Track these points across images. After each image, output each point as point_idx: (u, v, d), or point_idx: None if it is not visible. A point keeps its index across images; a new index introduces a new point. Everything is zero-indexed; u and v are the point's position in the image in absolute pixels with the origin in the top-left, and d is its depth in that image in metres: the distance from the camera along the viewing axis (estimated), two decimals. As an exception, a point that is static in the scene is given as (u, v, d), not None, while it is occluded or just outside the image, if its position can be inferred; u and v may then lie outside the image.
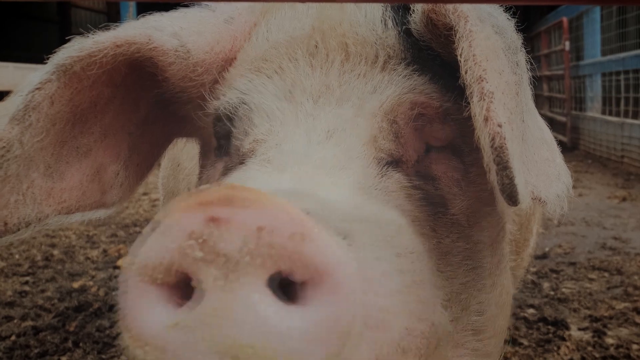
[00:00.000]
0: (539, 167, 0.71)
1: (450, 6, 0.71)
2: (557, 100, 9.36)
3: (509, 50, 0.72)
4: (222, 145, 0.87)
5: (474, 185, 0.80)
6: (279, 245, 0.49)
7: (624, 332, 2.28)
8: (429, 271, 0.70)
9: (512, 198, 0.62)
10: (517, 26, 0.79)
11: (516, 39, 0.77)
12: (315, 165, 0.69)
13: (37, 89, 0.77)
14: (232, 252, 0.49)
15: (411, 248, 0.66)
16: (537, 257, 3.28)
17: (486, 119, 0.62)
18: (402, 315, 0.61)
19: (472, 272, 0.79)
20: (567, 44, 8.24)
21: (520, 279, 1.30)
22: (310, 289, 0.50)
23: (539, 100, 10.64)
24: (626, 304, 2.54)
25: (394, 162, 0.76)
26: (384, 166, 0.75)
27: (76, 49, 0.78)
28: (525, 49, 0.78)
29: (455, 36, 0.69)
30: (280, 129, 0.77)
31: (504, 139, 0.61)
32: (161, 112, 0.95)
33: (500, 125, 0.61)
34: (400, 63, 0.81)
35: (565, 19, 8.39)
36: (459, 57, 0.68)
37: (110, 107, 0.88)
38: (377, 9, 0.85)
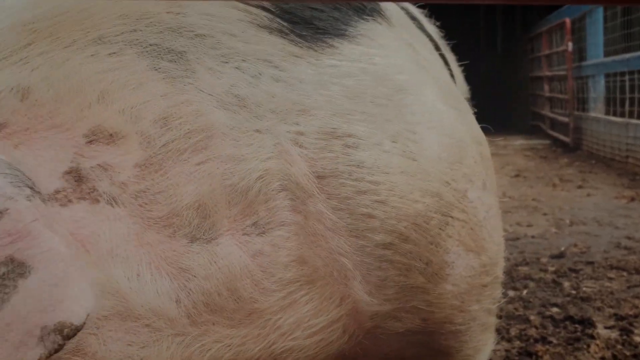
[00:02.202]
0: None
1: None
2: (558, 100, 9.39)
3: None
4: None
5: None
6: None
7: (650, 330, 2.29)
8: None
9: None
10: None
11: None
12: None
13: None
14: None
15: None
16: (554, 257, 3.29)
17: None
18: None
19: None
20: (570, 44, 8.28)
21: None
22: None
23: (539, 100, 10.65)
24: (649, 303, 2.55)
25: None
26: None
27: None
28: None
29: None
30: None
31: None
32: None
33: None
34: None
35: (568, 20, 8.43)
36: None
37: None
38: None
